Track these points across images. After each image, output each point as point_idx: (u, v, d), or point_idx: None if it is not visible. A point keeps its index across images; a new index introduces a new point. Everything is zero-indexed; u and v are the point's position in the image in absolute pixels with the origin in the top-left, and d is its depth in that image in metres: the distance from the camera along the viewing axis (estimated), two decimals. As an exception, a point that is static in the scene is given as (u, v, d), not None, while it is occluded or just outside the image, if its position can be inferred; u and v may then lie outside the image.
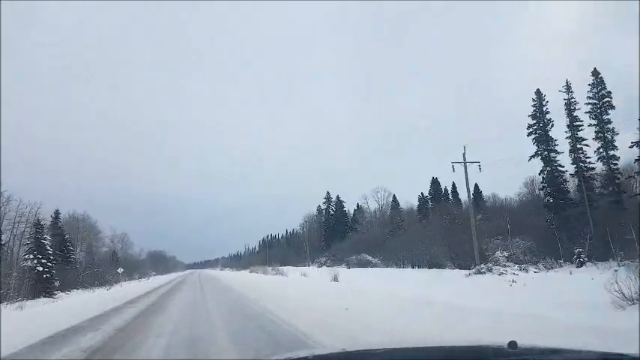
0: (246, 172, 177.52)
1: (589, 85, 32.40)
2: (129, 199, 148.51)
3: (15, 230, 37.06)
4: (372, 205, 70.89)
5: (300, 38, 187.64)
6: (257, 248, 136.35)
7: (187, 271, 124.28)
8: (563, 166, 33.72)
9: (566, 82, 33.03)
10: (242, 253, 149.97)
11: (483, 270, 22.92)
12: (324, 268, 40.44)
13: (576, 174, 32.62)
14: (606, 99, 31.67)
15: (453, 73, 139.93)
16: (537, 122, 33.96)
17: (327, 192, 76.35)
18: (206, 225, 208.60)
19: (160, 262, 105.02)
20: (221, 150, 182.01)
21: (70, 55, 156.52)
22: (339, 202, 74.98)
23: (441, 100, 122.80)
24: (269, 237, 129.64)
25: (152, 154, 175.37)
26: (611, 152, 31.22)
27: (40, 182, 79.15)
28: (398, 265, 32.42)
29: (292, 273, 34.07)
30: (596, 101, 32.05)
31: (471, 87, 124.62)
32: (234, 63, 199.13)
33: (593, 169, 32.59)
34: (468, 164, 26.48)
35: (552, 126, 33.73)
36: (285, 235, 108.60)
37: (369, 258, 36.17)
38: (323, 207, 77.76)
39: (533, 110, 34.23)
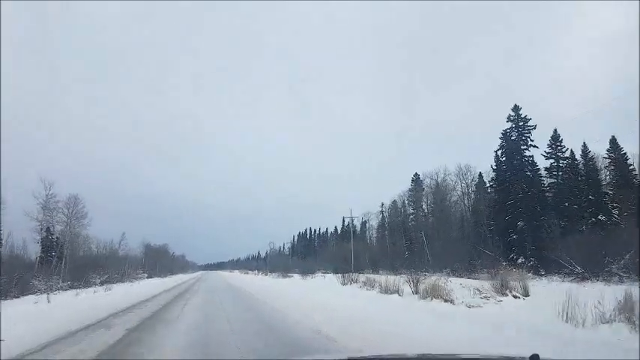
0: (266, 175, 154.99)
1: None
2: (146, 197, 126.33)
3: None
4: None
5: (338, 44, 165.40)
6: (285, 248, 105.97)
7: (198, 273, 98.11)
8: None
9: None
10: (262, 255, 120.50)
11: None
12: None
13: None
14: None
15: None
16: None
17: (515, 105, 32.49)
18: (221, 225, 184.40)
19: (160, 260, 74.00)
20: (244, 152, 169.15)
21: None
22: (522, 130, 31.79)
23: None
24: (307, 232, 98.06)
25: (181, 157, 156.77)
26: None
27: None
28: None
29: None
30: None
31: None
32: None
33: None
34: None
35: None
36: (340, 229, 74.50)
37: None
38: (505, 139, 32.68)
39: None
